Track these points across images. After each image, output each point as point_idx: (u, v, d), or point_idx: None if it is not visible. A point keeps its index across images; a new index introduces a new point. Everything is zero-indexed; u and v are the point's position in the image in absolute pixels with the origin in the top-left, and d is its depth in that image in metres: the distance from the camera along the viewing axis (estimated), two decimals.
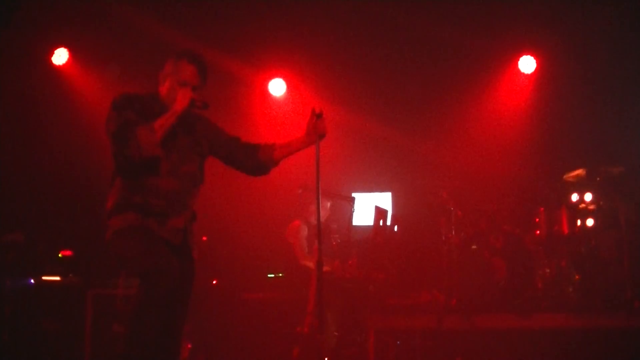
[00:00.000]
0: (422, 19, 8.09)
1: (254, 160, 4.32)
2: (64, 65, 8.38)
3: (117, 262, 4.08)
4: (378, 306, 6.48)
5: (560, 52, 8.28)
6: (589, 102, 8.24)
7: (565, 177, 7.33)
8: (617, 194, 6.87)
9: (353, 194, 7.12)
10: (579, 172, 7.13)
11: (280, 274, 7.48)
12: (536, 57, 8.48)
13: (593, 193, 7.06)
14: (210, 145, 4.27)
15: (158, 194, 3.93)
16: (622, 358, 5.87)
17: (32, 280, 6.91)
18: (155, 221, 3.90)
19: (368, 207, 7.10)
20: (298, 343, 6.10)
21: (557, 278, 6.76)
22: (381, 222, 6.89)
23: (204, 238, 7.33)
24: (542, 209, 7.04)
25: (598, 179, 6.99)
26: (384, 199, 8.52)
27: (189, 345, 6.44)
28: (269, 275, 7.59)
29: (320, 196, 4.22)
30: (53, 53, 8.32)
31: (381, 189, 8.69)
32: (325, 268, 6.36)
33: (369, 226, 7.00)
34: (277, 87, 8.82)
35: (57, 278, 6.99)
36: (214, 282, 7.51)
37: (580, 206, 7.16)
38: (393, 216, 7.40)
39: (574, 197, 7.12)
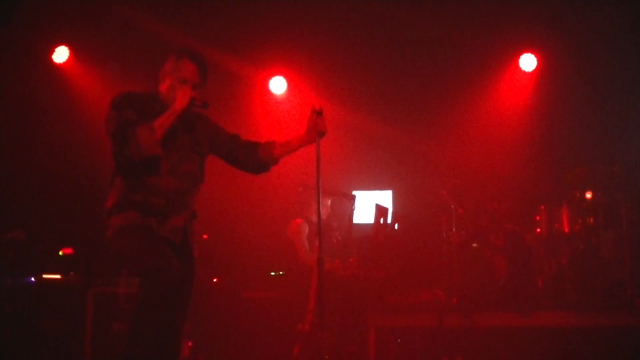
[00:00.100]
0: (423, 17, 8.08)
1: (254, 158, 4.31)
2: (64, 63, 8.37)
3: (117, 261, 4.08)
4: (378, 304, 6.49)
5: (561, 50, 8.28)
6: (590, 100, 8.23)
7: (566, 174, 7.33)
8: (617, 192, 6.87)
9: (353, 192, 7.11)
10: (580, 170, 7.13)
11: (282, 272, 7.48)
12: (537, 55, 8.47)
13: (594, 191, 7.06)
14: (210, 144, 4.26)
15: (158, 193, 3.92)
16: (622, 356, 5.87)
17: (33, 279, 6.91)
18: (155, 220, 3.89)
19: (368, 205, 7.09)
20: (298, 341, 6.10)
21: (558, 276, 6.76)
22: (382, 220, 6.89)
23: (205, 236, 7.33)
24: (542, 207, 7.05)
25: (598, 177, 6.98)
26: (385, 197, 8.52)
27: (190, 344, 6.44)
28: (271, 273, 7.59)
29: (320, 194, 4.22)
30: (53, 51, 8.31)
31: (382, 187, 8.69)
32: (326, 266, 6.37)
33: (369, 224, 7.00)
34: (278, 85, 8.82)
35: (58, 276, 6.99)
36: (215, 280, 7.51)
37: (580, 204, 7.16)
38: (393, 214, 7.40)
39: (575, 195, 7.13)
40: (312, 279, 6.30)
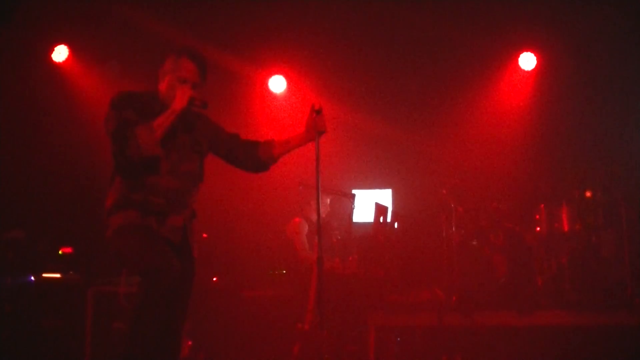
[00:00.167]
0: (422, 16, 8.08)
1: (254, 157, 4.31)
2: (64, 62, 8.38)
3: (117, 260, 4.07)
4: (378, 303, 6.48)
5: (561, 49, 8.28)
6: (589, 99, 8.23)
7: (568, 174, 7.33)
8: (617, 191, 6.87)
9: (353, 191, 7.11)
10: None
11: (284, 271, 7.48)
12: (537, 54, 8.47)
13: (594, 190, 7.06)
14: (209, 143, 4.26)
15: (158, 193, 3.92)
16: (622, 356, 5.86)
17: (32, 278, 6.90)
18: (154, 220, 3.89)
19: (368, 204, 7.09)
20: (298, 340, 6.09)
21: (558, 275, 6.76)
22: (381, 219, 6.89)
23: (205, 235, 7.33)
24: (542, 206, 7.05)
25: (599, 176, 6.98)
26: (384, 196, 8.52)
27: (190, 343, 6.44)
28: (270, 272, 7.58)
29: (320, 193, 4.22)
30: (53, 50, 8.32)
31: (381, 185, 8.69)
32: (326, 265, 6.37)
33: (369, 223, 7.00)
34: (278, 84, 8.82)
35: (58, 275, 6.98)
36: (215, 279, 7.51)
37: (580, 203, 7.16)
38: (393, 213, 7.40)
39: (575, 194, 7.13)
40: (312, 278, 6.30)
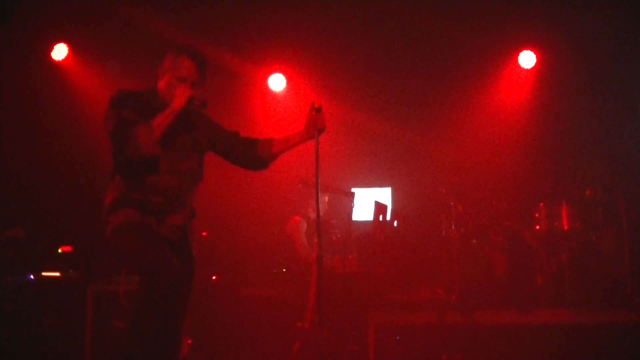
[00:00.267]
0: (422, 15, 8.07)
1: (253, 155, 4.31)
2: (63, 60, 8.37)
3: (116, 258, 4.07)
4: (378, 302, 6.48)
5: (560, 47, 8.27)
6: (589, 97, 8.23)
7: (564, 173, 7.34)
8: (617, 190, 6.86)
9: (353, 189, 7.11)
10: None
11: (284, 269, 7.47)
12: (536, 52, 8.47)
13: (593, 188, 7.05)
14: (209, 141, 4.26)
15: (157, 192, 3.92)
16: (622, 354, 5.86)
17: (32, 277, 6.90)
18: (154, 219, 3.89)
19: (368, 202, 7.09)
20: (298, 339, 6.09)
21: (557, 274, 6.75)
22: (381, 218, 6.88)
23: (204, 234, 7.32)
24: (542, 204, 7.04)
25: (598, 174, 6.98)
26: (384, 194, 8.51)
27: (189, 341, 6.44)
28: (275, 271, 7.58)
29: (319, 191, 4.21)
30: (52, 48, 8.31)
31: (381, 184, 8.68)
32: (325, 263, 6.36)
33: (368, 221, 6.99)
34: (277, 82, 8.82)
35: (57, 274, 6.98)
36: (214, 278, 7.51)
37: (580, 202, 7.16)
38: (393, 211, 7.40)
39: (575, 193, 7.13)
40: (311, 276, 6.30)
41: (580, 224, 6.90)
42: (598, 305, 6.26)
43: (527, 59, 8.50)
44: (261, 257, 7.82)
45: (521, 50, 8.50)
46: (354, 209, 6.88)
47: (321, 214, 6.68)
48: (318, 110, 4.18)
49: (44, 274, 6.96)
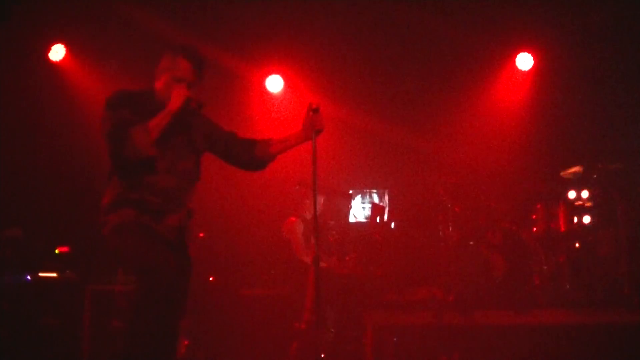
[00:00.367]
0: (419, 16, 8.07)
1: (251, 155, 4.31)
2: (61, 61, 8.35)
3: (114, 258, 4.07)
4: (376, 302, 6.48)
5: (558, 49, 8.29)
6: (586, 98, 8.25)
7: (562, 173, 7.34)
8: (614, 191, 6.88)
9: (350, 190, 7.12)
10: (577, 169, 7.13)
11: (271, 272, 7.47)
12: (533, 54, 8.47)
13: (590, 190, 7.07)
14: (206, 141, 4.26)
15: (155, 192, 3.92)
16: (619, 354, 5.86)
17: (29, 277, 6.89)
18: (151, 218, 3.89)
19: (365, 203, 7.10)
20: (296, 339, 6.10)
21: (555, 274, 6.76)
22: (378, 219, 6.89)
23: (201, 234, 7.32)
24: (539, 205, 7.05)
25: (595, 175, 6.99)
26: (382, 195, 8.51)
27: (186, 342, 6.43)
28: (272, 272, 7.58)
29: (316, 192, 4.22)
30: (50, 49, 8.29)
31: (379, 185, 8.69)
32: (323, 264, 6.37)
33: (366, 222, 7.00)
34: (275, 84, 8.80)
35: (54, 275, 6.97)
36: (211, 278, 7.51)
37: (577, 203, 7.18)
38: (390, 212, 7.40)
39: (572, 194, 7.14)
40: (309, 277, 6.31)
41: (577, 225, 6.91)
42: (595, 305, 6.27)
43: (524, 60, 8.50)
44: (258, 257, 7.82)
45: (519, 52, 8.51)
46: (351, 209, 6.90)
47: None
48: (316, 111, 4.19)
49: (41, 274, 6.95)
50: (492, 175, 8.25)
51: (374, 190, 8.70)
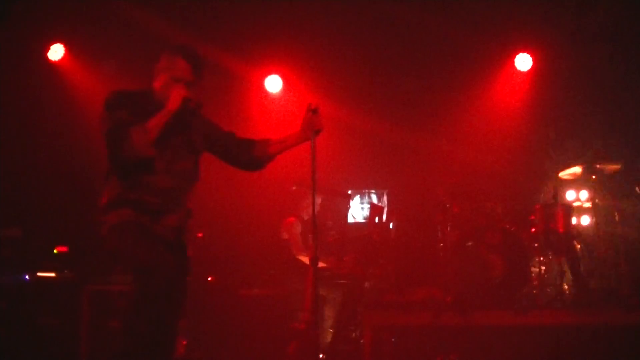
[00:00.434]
0: (418, 17, 8.08)
1: (249, 155, 4.31)
2: (59, 61, 8.36)
3: (112, 258, 4.07)
4: (374, 303, 6.48)
5: (557, 50, 8.29)
6: (585, 99, 8.26)
7: (561, 174, 7.34)
8: (612, 192, 6.88)
9: (349, 191, 7.12)
10: (575, 169, 7.13)
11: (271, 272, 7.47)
12: (532, 55, 8.48)
13: (589, 191, 7.06)
14: (205, 141, 4.26)
15: (153, 192, 3.92)
16: (618, 355, 5.86)
17: (27, 277, 6.89)
18: (150, 218, 3.89)
19: (364, 203, 7.10)
20: (294, 339, 6.09)
21: (553, 275, 6.76)
22: (377, 219, 6.89)
23: (200, 234, 7.32)
24: (538, 206, 7.04)
25: (594, 176, 6.99)
26: (380, 196, 8.51)
27: (184, 342, 6.43)
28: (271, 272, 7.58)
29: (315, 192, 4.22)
30: (49, 49, 8.29)
31: (377, 185, 8.69)
32: (321, 264, 6.37)
33: (365, 223, 7.00)
34: (274, 84, 8.80)
35: (52, 274, 6.96)
36: (210, 278, 7.50)
37: (575, 204, 7.18)
38: (389, 213, 7.40)
39: (570, 194, 7.14)
40: (307, 277, 6.30)
41: (576, 226, 6.91)
42: (593, 306, 6.26)
43: (523, 61, 8.51)
44: (257, 257, 7.81)
45: (517, 53, 8.51)
46: (350, 210, 6.90)
47: None
48: (315, 111, 4.19)
49: (39, 274, 6.95)
50: (491, 176, 8.24)
51: (373, 191, 8.70)
